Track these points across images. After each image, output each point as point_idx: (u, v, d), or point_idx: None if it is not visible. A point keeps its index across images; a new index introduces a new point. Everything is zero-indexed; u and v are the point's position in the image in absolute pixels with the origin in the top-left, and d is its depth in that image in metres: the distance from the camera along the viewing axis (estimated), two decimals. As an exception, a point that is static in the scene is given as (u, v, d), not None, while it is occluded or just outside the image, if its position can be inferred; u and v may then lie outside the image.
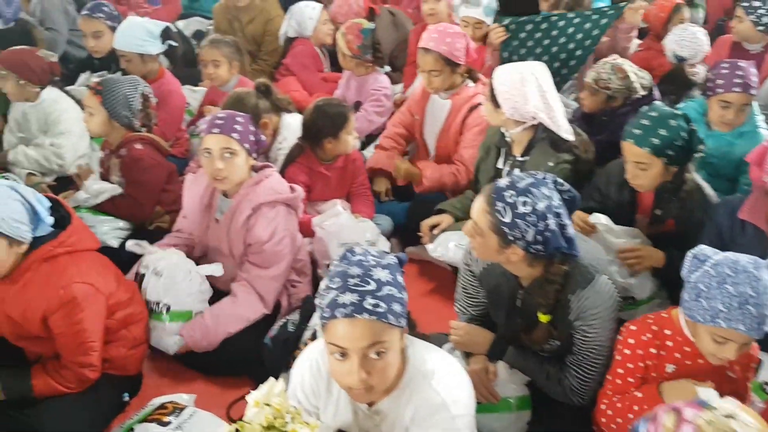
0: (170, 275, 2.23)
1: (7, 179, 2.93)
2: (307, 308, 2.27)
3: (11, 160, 3.08)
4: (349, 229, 2.60)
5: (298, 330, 2.21)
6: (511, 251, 1.69)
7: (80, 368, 1.88)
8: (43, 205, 1.81)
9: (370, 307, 1.29)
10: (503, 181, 1.70)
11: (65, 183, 3.14)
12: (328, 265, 2.56)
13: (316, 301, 1.38)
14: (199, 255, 2.52)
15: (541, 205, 1.63)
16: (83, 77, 3.72)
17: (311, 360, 1.54)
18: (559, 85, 3.20)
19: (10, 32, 3.89)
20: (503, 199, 1.65)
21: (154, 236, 2.70)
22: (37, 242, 1.81)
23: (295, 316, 2.30)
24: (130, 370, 2.11)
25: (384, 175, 3.12)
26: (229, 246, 2.38)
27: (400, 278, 1.39)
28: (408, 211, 2.98)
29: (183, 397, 2.01)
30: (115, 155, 2.70)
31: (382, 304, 1.30)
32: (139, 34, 3.23)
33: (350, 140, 2.79)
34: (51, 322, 1.81)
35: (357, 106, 3.56)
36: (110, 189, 2.71)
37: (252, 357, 2.24)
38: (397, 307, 1.34)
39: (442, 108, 3.05)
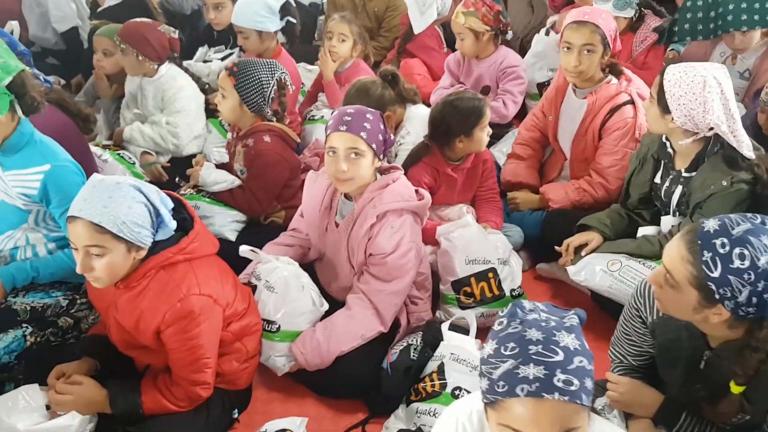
0: (283, 292, 2.05)
1: (123, 157, 2.87)
2: (431, 335, 2.03)
3: (126, 137, 3.01)
4: (479, 243, 2.31)
5: (421, 358, 1.97)
6: (713, 311, 1.35)
7: (192, 386, 1.73)
8: (166, 207, 1.64)
9: (561, 385, 1.01)
10: (711, 224, 1.35)
11: (179, 164, 3.06)
12: (453, 283, 2.30)
13: (482, 368, 1.11)
14: (315, 258, 2.33)
15: (763, 260, 1.28)
16: (201, 51, 3.63)
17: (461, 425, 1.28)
18: None
19: (125, 5, 3.83)
20: (712, 248, 1.31)
21: (267, 231, 2.56)
22: (156, 247, 1.66)
23: (415, 340, 2.06)
24: (241, 385, 1.95)
25: (523, 188, 2.81)
26: (347, 253, 2.16)
27: (586, 345, 1.11)
28: (542, 222, 2.65)
29: (295, 422, 1.84)
30: (242, 143, 2.55)
31: (574, 380, 1.03)
32: (258, 10, 3.06)
33: (484, 138, 2.49)
34: (165, 335, 1.66)
35: (486, 91, 3.25)
36: (229, 180, 2.57)
37: (367, 380, 2.03)
38: (589, 384, 1.05)
39: (579, 108, 2.68)
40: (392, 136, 2.18)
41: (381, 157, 2.13)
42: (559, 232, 2.47)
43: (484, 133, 2.48)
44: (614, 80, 2.65)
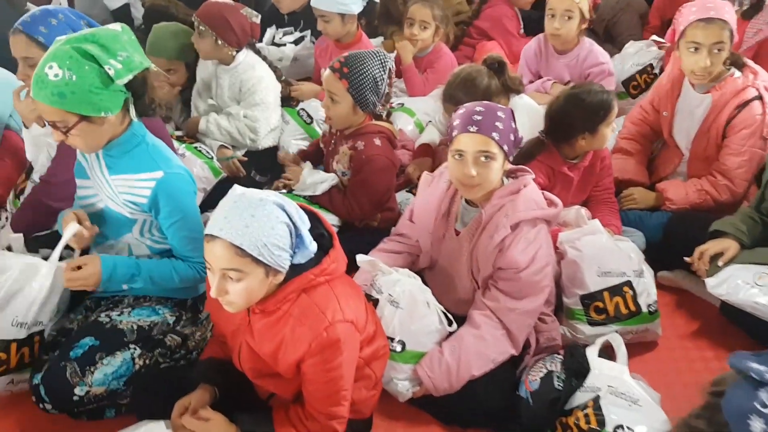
0: (409, 308, 1.85)
1: (200, 150, 2.67)
2: (576, 362, 1.83)
3: (203, 129, 2.80)
4: (611, 253, 2.09)
5: (568, 388, 1.77)
6: None
7: (329, 420, 1.55)
8: (306, 226, 1.44)
9: None
10: None
11: (254, 157, 2.85)
12: (582, 297, 2.09)
13: None
14: (425, 267, 2.13)
15: None
16: (269, 33, 3.39)
17: None
18: None
19: None
20: None
21: (363, 235, 2.37)
22: (295, 269, 1.46)
23: (554, 365, 1.85)
24: (365, 413, 1.77)
25: (634, 186, 2.58)
26: (470, 264, 1.96)
27: None
28: (666, 226, 2.42)
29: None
30: (348, 143, 2.33)
31: None
32: None
33: (608, 134, 2.26)
34: (306, 365, 1.48)
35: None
36: (328, 179, 2.37)
37: (500, 408, 1.84)
38: None
39: (700, 103, 2.45)
40: (522, 135, 1.96)
41: (510, 158, 1.91)
42: (685, 238, 2.26)
43: (609, 130, 2.26)
44: (737, 73, 2.41)
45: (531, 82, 3.13)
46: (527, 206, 1.87)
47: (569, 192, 2.39)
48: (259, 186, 2.94)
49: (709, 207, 2.44)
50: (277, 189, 2.48)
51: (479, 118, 1.83)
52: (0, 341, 1.68)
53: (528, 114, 2.51)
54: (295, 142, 2.90)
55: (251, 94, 2.77)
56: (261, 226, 1.36)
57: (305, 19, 3.25)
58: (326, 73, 2.29)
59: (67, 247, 1.73)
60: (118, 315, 1.77)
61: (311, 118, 2.94)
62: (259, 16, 2.75)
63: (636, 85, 3.26)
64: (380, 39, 3.31)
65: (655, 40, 3.32)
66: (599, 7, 3.43)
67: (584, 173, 2.38)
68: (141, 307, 1.81)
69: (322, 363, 1.47)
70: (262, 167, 2.92)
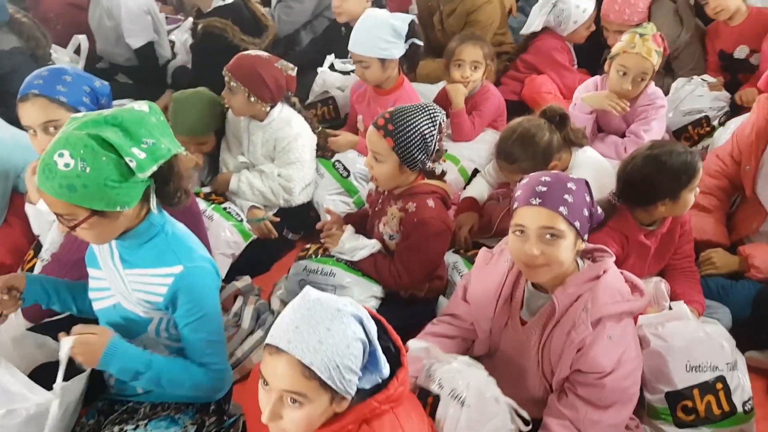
0: (479, 407, 1.57)
1: (229, 212, 2.43)
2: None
3: (234, 189, 2.57)
4: (701, 344, 1.79)
5: None
6: None
7: None
8: (378, 342, 1.20)
9: None
10: None
11: (286, 215, 2.62)
12: (667, 394, 1.79)
13: None
14: (483, 354, 1.85)
15: None
16: (328, 60, 3.14)
17: None
18: None
19: (229, 8, 3.19)
20: None
21: (408, 307, 2.11)
22: (358, 393, 1.22)
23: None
24: None
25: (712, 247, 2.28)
26: (539, 361, 1.68)
27: None
28: (755, 299, 2.11)
29: None
30: (398, 204, 2.08)
31: None
32: (383, 35, 2.53)
33: (691, 200, 1.97)
34: None
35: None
36: (369, 245, 2.12)
37: None
38: None
39: None
40: (599, 210, 1.68)
41: (585, 237, 1.63)
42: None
43: (692, 195, 1.96)
44: None
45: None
46: (610, 298, 1.59)
47: (645, 262, 2.09)
48: (291, 244, 2.72)
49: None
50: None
51: (544, 189, 1.56)
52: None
53: (594, 170, 2.24)
54: (330, 197, 2.66)
55: (287, 152, 2.54)
56: (337, 342, 1.14)
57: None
58: (370, 130, 2.05)
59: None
60: (134, 428, 1.52)
61: (348, 171, 2.69)
62: (296, 69, 2.51)
63: (688, 136, 3.00)
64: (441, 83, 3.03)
65: (706, 81, 3.03)
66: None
67: (662, 241, 2.08)
68: (158, 417, 1.56)
69: None
70: (295, 225, 2.69)
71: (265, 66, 2.43)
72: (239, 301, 2.24)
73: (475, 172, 2.85)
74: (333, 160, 2.73)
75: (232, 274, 2.38)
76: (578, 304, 1.59)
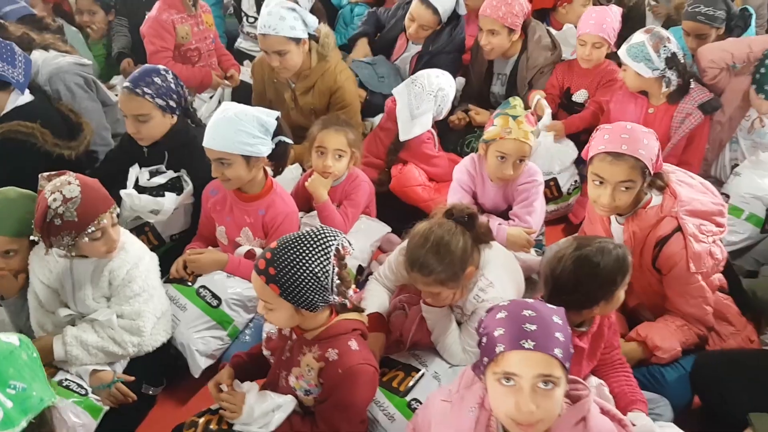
0: None
1: (68, 388, 1.80)
2: None
3: (61, 356, 1.93)
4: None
5: None
6: None
7: None
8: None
9: None
10: None
11: (143, 366, 2.03)
12: None
13: None
14: None
15: None
16: (132, 174, 2.47)
17: None
18: None
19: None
20: None
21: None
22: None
23: None
24: None
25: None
26: None
27: None
28: (693, 382, 2.06)
29: None
30: (312, 352, 1.66)
31: None
32: (249, 128, 2.12)
33: (622, 296, 1.85)
34: None
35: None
36: (285, 405, 1.67)
37: None
38: None
39: (619, 235, 2.16)
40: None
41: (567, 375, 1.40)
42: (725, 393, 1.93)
43: (623, 291, 1.85)
44: (655, 199, 2.11)
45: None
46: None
47: (580, 365, 1.92)
48: (153, 400, 2.12)
49: (696, 343, 2.13)
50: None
51: (534, 327, 1.33)
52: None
53: (508, 270, 2.07)
54: (197, 335, 2.12)
55: (126, 284, 1.99)
56: None
57: (173, 151, 2.47)
58: (252, 274, 1.63)
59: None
60: None
61: (218, 298, 2.19)
62: None
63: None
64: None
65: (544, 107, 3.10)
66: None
67: (593, 339, 1.94)
68: None
69: None
70: (154, 375, 2.10)
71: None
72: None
73: (361, 269, 2.54)
74: (196, 286, 2.20)
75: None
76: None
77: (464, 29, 3.54)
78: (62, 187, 1.85)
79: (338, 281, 1.64)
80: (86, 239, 1.88)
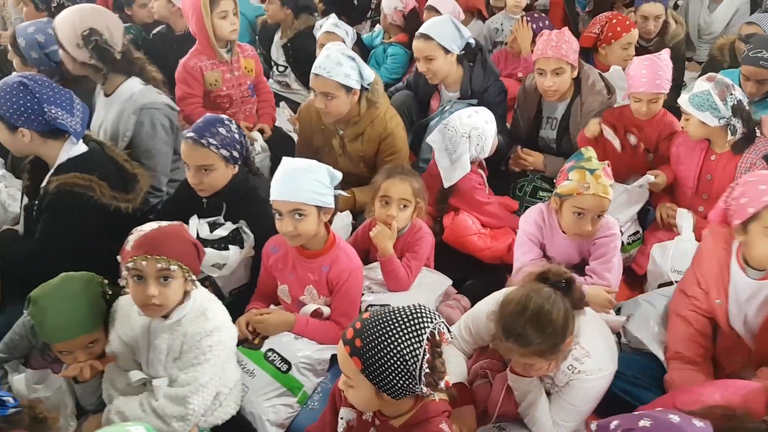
0: None
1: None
2: None
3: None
4: None
5: None
6: None
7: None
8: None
9: None
10: None
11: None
12: None
13: None
14: None
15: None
16: (192, 225, 2.33)
17: None
18: None
19: None
20: None
21: None
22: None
23: None
24: None
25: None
26: None
27: None
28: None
29: None
30: None
31: None
32: (323, 178, 2.06)
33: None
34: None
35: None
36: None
37: None
38: None
39: (757, 292, 2.08)
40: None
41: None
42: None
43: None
44: None
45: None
46: None
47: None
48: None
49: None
50: None
51: None
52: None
53: (601, 336, 1.97)
54: (269, 404, 1.98)
55: (193, 350, 1.85)
56: None
57: (232, 202, 2.36)
58: (339, 343, 1.51)
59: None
60: None
61: (287, 363, 2.06)
62: None
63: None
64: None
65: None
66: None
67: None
68: None
69: None
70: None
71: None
72: None
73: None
74: (264, 350, 2.08)
75: None
76: None
77: (495, 65, 3.46)
78: None
79: (428, 370, 1.49)
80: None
